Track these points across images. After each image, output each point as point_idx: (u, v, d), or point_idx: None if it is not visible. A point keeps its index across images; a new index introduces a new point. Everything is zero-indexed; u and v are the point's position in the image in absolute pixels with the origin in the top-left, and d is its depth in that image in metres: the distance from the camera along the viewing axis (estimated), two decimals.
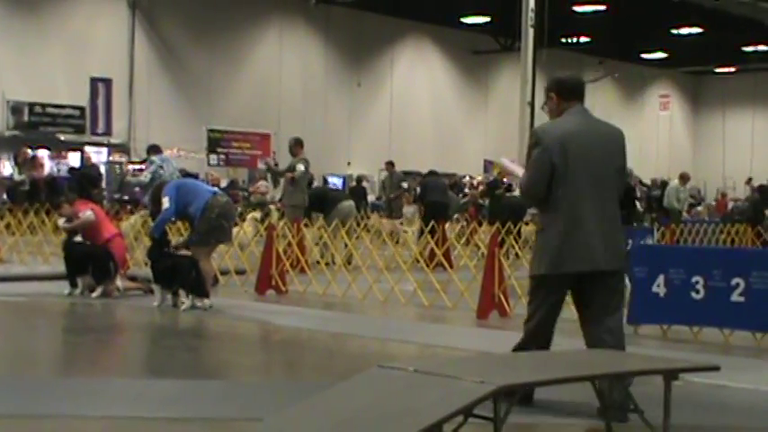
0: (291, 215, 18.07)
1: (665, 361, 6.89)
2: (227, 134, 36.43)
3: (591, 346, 7.23)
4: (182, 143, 33.55)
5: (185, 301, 12.33)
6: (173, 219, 13.50)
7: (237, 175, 37.06)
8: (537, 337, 7.43)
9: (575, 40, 45.53)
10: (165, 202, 12.61)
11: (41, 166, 29.67)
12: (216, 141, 36.02)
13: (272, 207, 23.62)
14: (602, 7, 39.14)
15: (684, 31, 42.88)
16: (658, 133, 55.29)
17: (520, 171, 7.55)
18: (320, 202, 19.33)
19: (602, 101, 52.12)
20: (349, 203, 19.93)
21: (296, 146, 18.88)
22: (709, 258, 11.08)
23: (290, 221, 17.16)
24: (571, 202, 7.01)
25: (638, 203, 27.70)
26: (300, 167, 18.45)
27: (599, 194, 7.08)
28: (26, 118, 33.33)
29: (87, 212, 13.72)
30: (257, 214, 19.75)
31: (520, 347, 7.53)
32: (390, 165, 30.68)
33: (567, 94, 7.32)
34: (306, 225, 17.55)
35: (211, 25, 38.26)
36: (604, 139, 7.26)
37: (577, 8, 39.33)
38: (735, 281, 10.53)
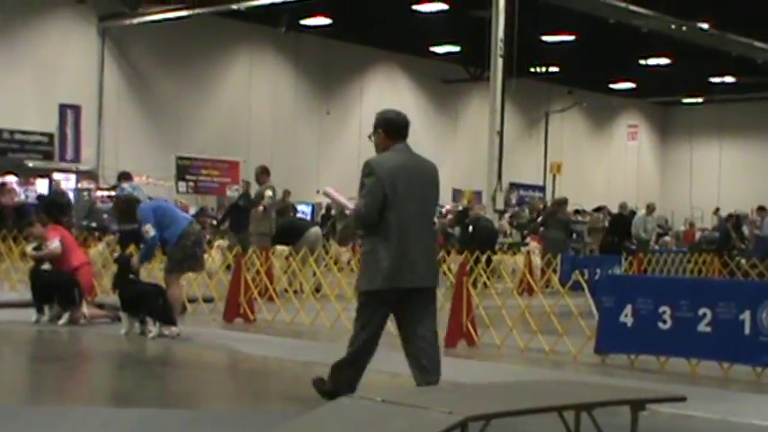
0: (259, 243, 18.06)
1: (632, 391, 6.92)
2: (196, 161, 36.35)
3: (411, 355, 8.24)
4: (150, 171, 33.42)
5: (152, 329, 12.28)
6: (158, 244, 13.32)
7: (206, 203, 36.95)
8: (366, 350, 8.32)
9: (544, 69, 45.79)
10: (150, 230, 12.53)
11: (11, 191, 29.47)
12: (185, 169, 35.93)
13: None
14: (571, 37, 39.41)
15: (653, 61, 43.21)
16: (626, 163, 55.62)
17: (344, 200, 8.69)
18: (287, 233, 19.32)
19: (570, 130, 52.53)
20: (316, 231, 19.92)
21: (262, 174, 18.95)
22: (677, 288, 11.15)
23: (259, 249, 17.13)
24: (400, 226, 7.94)
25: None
26: (269, 193, 18.49)
27: (422, 221, 8.09)
28: None
29: (55, 243, 13.64)
30: (224, 242, 19.71)
31: (349, 361, 8.40)
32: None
33: (394, 132, 8.32)
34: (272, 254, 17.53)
35: (181, 52, 38.23)
36: (425, 174, 8.28)
37: (546, 38, 39.56)
38: (702, 311, 10.59)
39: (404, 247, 7.93)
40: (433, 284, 8.23)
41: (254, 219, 18.93)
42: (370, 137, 8.52)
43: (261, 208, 18.36)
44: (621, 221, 27.89)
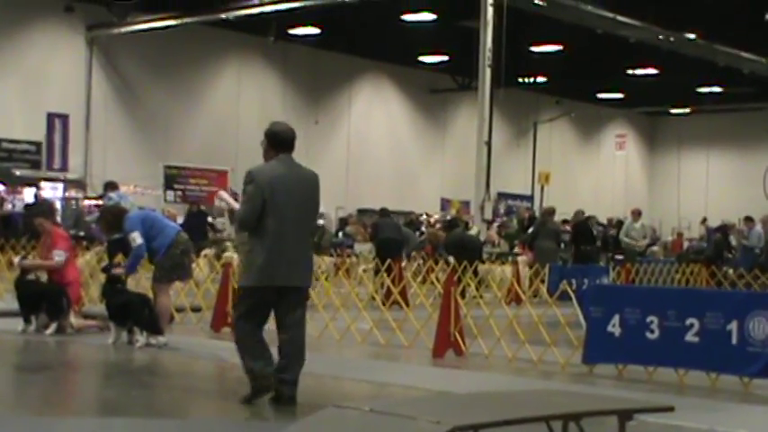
0: (243, 252, 18.06)
1: (620, 401, 6.92)
2: (184, 170, 36.35)
3: (280, 347, 8.93)
4: (138, 179, 33.40)
5: (140, 338, 12.25)
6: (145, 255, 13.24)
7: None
8: (255, 348, 8.90)
9: (532, 79, 45.87)
10: (137, 239, 12.50)
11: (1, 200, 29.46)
12: (173, 178, 35.91)
13: (228, 244, 23.55)
14: (559, 47, 39.51)
15: (640, 71, 43.34)
16: (614, 173, 55.75)
17: (235, 204, 9.07)
18: None
19: (558, 140, 52.62)
20: None
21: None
22: (664, 298, 11.17)
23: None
24: (277, 230, 8.65)
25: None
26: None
27: (299, 225, 8.82)
28: None
29: (62, 257, 13.52)
30: (210, 251, 19.69)
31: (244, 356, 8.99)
32: None
33: (277, 144, 9.04)
34: None
35: (169, 61, 38.22)
36: (305, 183, 9.03)
37: (535, 48, 39.65)
38: (689, 321, 10.61)
39: (279, 249, 8.66)
40: (307, 284, 9.08)
41: (237, 230, 18.92)
42: (261, 143, 9.20)
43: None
44: (582, 230, 27.65)
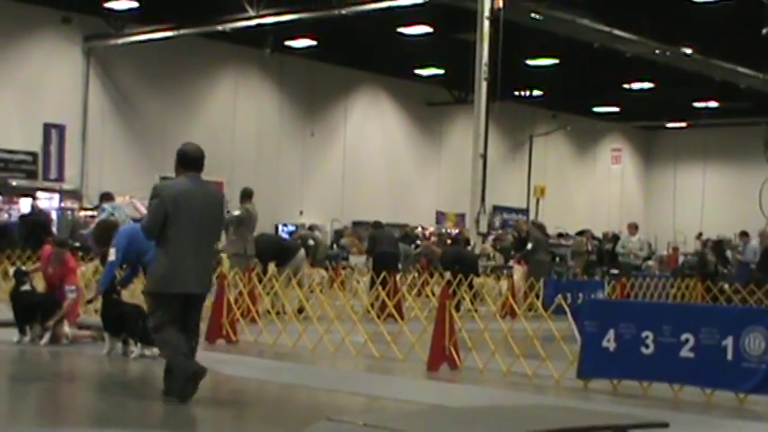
0: (235, 264, 18.09)
1: (615, 416, 6.92)
2: None
3: None
4: (134, 190, 33.28)
5: (134, 349, 12.23)
6: (120, 266, 13.27)
7: None
8: (177, 348, 9.53)
9: (528, 93, 45.95)
10: (111, 254, 12.48)
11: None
12: None
13: (222, 255, 23.51)
14: (555, 61, 39.58)
15: (636, 85, 43.43)
16: (610, 187, 55.80)
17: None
18: (279, 252, 19.36)
19: (554, 154, 52.66)
20: (302, 253, 20.01)
21: (243, 197, 19.11)
22: (660, 314, 11.16)
23: (241, 271, 17.09)
24: (176, 240, 9.39)
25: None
26: (235, 213, 18.65)
27: (198, 236, 9.50)
28: None
29: (73, 293, 13.58)
30: None
31: (173, 365, 9.60)
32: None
33: (185, 164, 9.80)
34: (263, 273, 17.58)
35: (166, 72, 38.24)
36: (208, 199, 9.74)
37: (531, 61, 39.72)
38: (684, 336, 10.61)
39: (178, 258, 9.42)
40: (204, 292, 9.88)
41: (230, 240, 18.97)
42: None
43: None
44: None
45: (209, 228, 9.77)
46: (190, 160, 9.83)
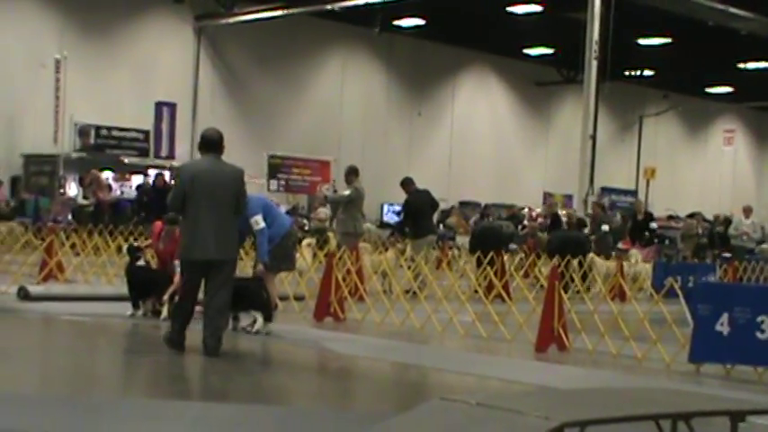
0: (344, 242, 18.12)
1: (732, 402, 6.77)
2: (287, 160, 36.60)
3: (204, 308, 10.83)
4: (243, 168, 33.74)
5: (259, 320, 12.27)
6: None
7: (297, 202, 37.16)
8: (186, 304, 10.88)
9: (638, 72, 45.25)
10: (260, 221, 12.53)
11: (108, 188, 29.93)
12: (276, 167, 36.20)
13: (330, 234, 23.65)
14: (668, 40, 38.89)
15: (751, 65, 42.48)
16: (722, 168, 54.76)
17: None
18: (423, 228, 19.53)
19: (665, 134, 51.83)
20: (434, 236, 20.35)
21: (350, 174, 18.95)
22: None
23: (348, 249, 17.14)
24: (195, 214, 10.60)
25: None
26: (345, 193, 18.61)
27: (214, 210, 10.59)
28: (92, 140, 33.74)
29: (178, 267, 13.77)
30: (312, 240, 19.77)
31: (175, 312, 11.23)
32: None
33: (203, 146, 11.00)
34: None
35: (275, 52, 38.56)
36: (224, 177, 10.79)
37: (642, 41, 39.11)
38: None
39: (197, 229, 10.59)
40: (223, 258, 10.69)
41: (339, 219, 19.04)
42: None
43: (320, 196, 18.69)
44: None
45: (225, 202, 10.70)
46: (208, 143, 10.95)
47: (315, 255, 18.02)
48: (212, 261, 10.65)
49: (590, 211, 27.39)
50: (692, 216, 34.13)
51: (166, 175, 30.83)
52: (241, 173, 11.06)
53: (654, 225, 26.33)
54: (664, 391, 6.75)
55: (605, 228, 24.26)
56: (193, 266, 10.77)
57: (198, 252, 10.63)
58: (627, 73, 43.63)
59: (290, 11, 34.93)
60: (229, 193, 10.75)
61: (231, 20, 36.25)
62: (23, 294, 14.84)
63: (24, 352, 11.22)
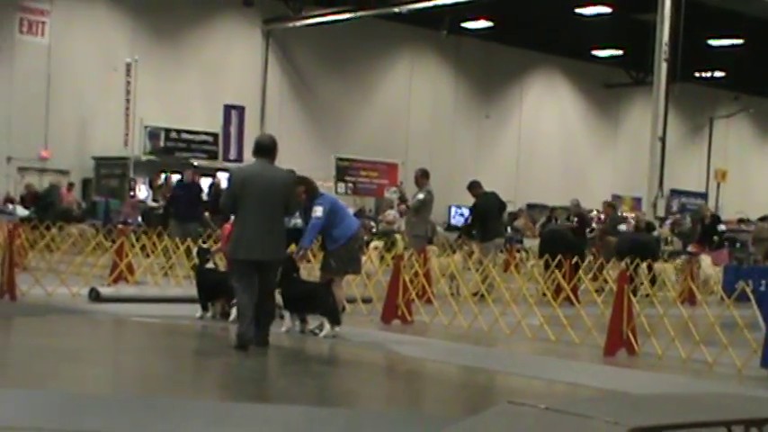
0: (414, 245, 18.12)
1: None
2: (355, 163, 36.72)
3: (256, 319, 11.08)
4: (311, 170, 33.81)
5: (326, 326, 12.31)
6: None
7: (364, 204, 37.26)
8: (247, 311, 11.07)
9: (709, 74, 44.73)
10: (318, 211, 12.59)
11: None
12: (344, 170, 36.33)
13: (397, 236, 23.68)
14: (739, 41, 38.40)
15: None
16: None
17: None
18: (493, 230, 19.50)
19: (736, 136, 51.19)
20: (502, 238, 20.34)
21: (421, 177, 18.88)
22: None
23: (416, 252, 17.15)
24: (243, 215, 11.15)
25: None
26: (419, 197, 18.52)
27: (262, 212, 11.09)
28: (162, 143, 34.10)
29: None
30: (380, 243, 19.80)
31: (238, 315, 11.46)
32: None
33: (256, 152, 11.51)
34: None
35: (343, 54, 38.71)
36: (273, 180, 11.22)
37: (713, 42, 38.66)
38: None
39: (245, 231, 11.13)
40: (271, 258, 11.24)
41: (411, 222, 19.04)
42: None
43: (401, 206, 18.65)
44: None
45: (274, 205, 11.16)
46: (261, 148, 11.48)
47: (382, 257, 18.05)
48: (259, 261, 11.12)
49: (660, 213, 27.16)
50: (763, 219, 33.66)
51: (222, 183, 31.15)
52: (291, 177, 11.65)
53: (722, 228, 25.99)
54: (735, 397, 6.66)
55: (623, 227, 23.81)
56: (239, 265, 11.24)
57: (242, 252, 11.12)
58: (697, 74, 43.15)
59: (358, 14, 35.04)
60: (278, 196, 11.20)
61: (299, 23, 36.46)
62: (94, 296, 15.05)
63: (95, 353, 11.37)
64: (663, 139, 27.68)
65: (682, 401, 6.38)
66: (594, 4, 34.49)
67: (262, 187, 11.12)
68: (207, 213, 23.19)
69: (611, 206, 25.94)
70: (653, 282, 19.91)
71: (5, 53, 32.05)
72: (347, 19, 35.58)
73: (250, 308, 11.08)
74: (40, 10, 32.59)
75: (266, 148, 11.46)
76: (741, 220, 35.46)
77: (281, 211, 11.28)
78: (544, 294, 16.41)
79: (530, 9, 34.61)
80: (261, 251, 11.11)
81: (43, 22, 32.72)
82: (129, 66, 32.36)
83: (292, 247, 13.83)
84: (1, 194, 30.84)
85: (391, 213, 27.74)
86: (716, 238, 25.76)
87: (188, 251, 16.79)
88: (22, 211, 27.70)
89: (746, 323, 12.15)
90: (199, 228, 21.74)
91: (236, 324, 11.38)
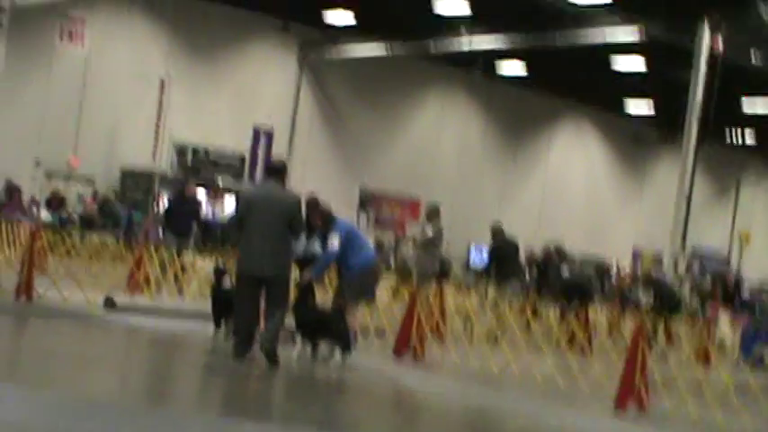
0: (423, 282, 17.98)
1: None
2: (377, 195, 36.71)
3: (260, 338, 11.62)
4: (335, 198, 33.85)
5: (337, 354, 12.27)
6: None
7: (384, 238, 37.12)
8: (242, 324, 11.67)
9: (740, 136, 44.53)
10: (335, 243, 12.59)
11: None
12: (367, 201, 36.32)
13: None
14: None
15: None
16: None
17: None
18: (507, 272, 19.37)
19: (763, 200, 50.95)
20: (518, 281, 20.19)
21: (432, 213, 18.79)
22: None
23: (423, 288, 17.02)
24: (248, 234, 11.66)
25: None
26: (428, 234, 18.41)
27: (265, 232, 11.54)
28: (189, 160, 34.14)
29: None
30: (393, 282, 19.78)
31: (235, 330, 12.05)
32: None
33: (267, 172, 12.77)
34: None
35: (375, 86, 38.82)
36: (279, 201, 11.72)
37: (746, 106, 38.56)
38: None
39: (249, 248, 11.62)
40: (271, 274, 11.52)
41: (420, 258, 18.96)
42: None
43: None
44: None
45: (278, 225, 11.57)
46: (271, 170, 12.30)
47: (395, 293, 17.99)
48: (262, 277, 11.52)
49: (681, 270, 27.01)
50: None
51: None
52: (297, 200, 12.05)
53: (746, 295, 25.82)
54: None
55: (565, 273, 23.00)
56: (242, 280, 11.70)
57: (245, 267, 11.63)
58: (727, 133, 43.00)
59: (394, 52, 35.05)
60: (282, 218, 11.62)
61: (335, 54, 36.56)
62: (110, 304, 15.06)
63: (105, 361, 11.36)
64: (689, 198, 27.58)
65: None
66: (628, 53, 34.36)
67: (266, 209, 11.60)
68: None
69: (555, 249, 24.84)
70: (669, 337, 19.76)
71: (45, 59, 32.23)
72: (381, 56, 35.61)
73: (244, 324, 11.59)
74: (81, 18, 32.72)
75: (276, 170, 12.12)
76: (762, 291, 35.24)
77: (285, 230, 11.66)
78: (558, 342, 16.31)
79: (564, 58, 34.61)
80: (261, 268, 11.51)
81: (83, 33, 32.90)
82: (163, 81, 32.52)
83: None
84: (26, 197, 30.92)
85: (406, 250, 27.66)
86: (738, 302, 25.64)
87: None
88: (45, 216, 27.78)
89: (762, 389, 12.01)
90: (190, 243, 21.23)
91: (234, 337, 11.85)
